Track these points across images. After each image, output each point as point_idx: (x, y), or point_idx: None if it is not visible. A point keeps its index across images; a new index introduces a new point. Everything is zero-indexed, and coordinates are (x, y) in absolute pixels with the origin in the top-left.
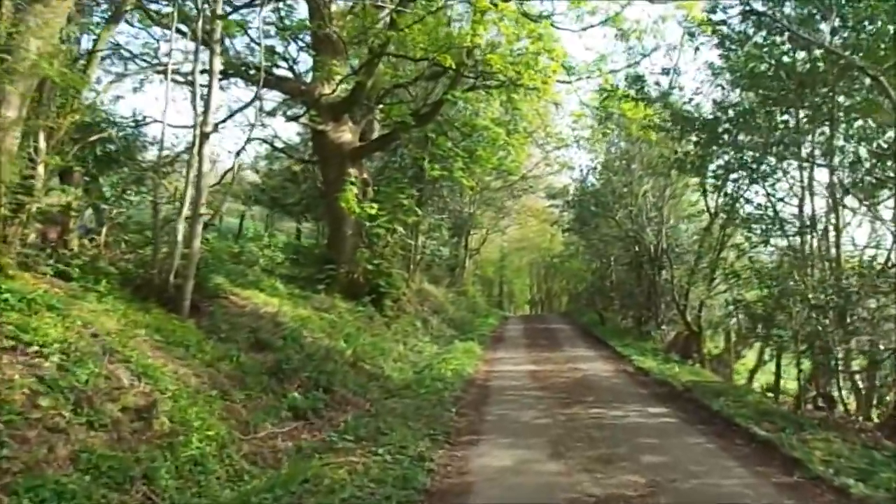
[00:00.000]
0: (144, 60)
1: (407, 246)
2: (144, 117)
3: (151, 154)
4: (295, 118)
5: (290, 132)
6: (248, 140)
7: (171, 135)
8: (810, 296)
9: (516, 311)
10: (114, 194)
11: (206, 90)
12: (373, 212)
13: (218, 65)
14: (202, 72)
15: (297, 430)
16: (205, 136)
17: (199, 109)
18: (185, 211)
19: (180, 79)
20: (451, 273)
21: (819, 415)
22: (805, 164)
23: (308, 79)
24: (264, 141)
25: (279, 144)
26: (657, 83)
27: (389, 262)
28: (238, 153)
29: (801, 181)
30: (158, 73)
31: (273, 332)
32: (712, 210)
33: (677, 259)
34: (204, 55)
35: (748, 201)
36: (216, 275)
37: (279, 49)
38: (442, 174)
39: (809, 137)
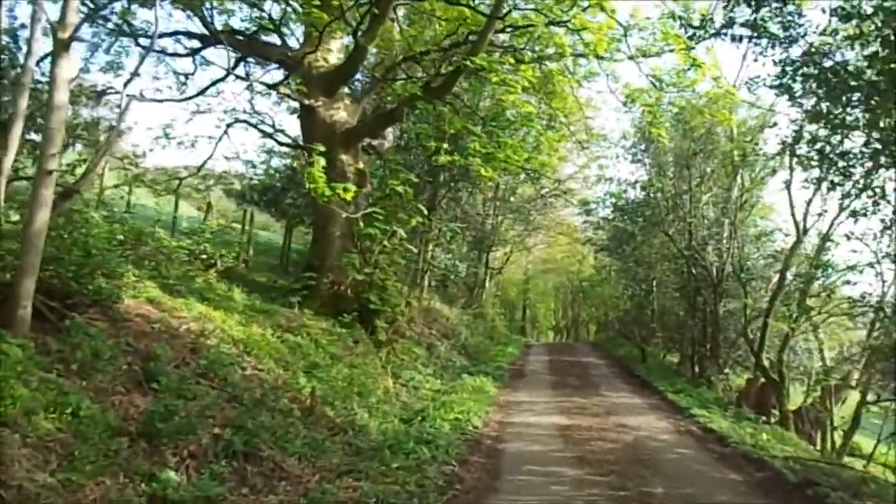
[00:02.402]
0: None
1: (411, 255)
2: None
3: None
4: (273, 86)
5: (293, 124)
6: (230, 124)
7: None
8: None
9: (539, 337)
10: None
11: None
12: (349, 196)
13: None
14: None
15: None
16: (62, 47)
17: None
18: (9, 163)
19: None
20: (468, 293)
21: None
22: None
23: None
24: (251, 125)
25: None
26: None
27: (385, 273)
28: (220, 138)
29: None
30: None
31: (182, 362)
32: (800, 223)
33: (748, 284)
34: None
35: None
36: (107, 271)
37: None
38: (452, 161)
39: None
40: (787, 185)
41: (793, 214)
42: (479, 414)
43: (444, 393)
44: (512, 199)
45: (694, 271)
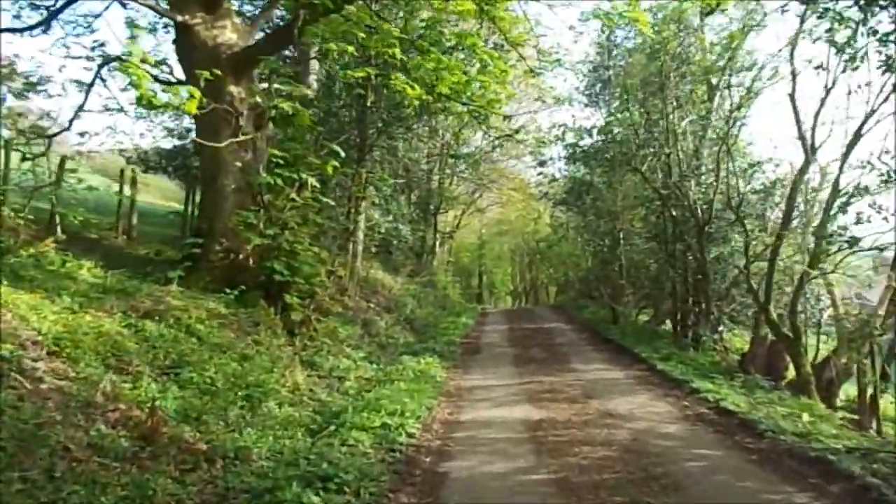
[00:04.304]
0: None
1: (335, 214)
2: None
3: None
4: None
5: None
6: (102, 65)
7: None
8: None
9: (497, 303)
10: None
11: None
12: (192, 108)
13: None
14: None
15: None
16: None
17: None
18: None
19: None
20: (416, 259)
21: None
22: None
23: None
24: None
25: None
26: None
27: (295, 235)
28: (92, 83)
29: None
30: None
31: None
32: (810, 140)
33: (747, 221)
34: None
35: None
36: None
37: None
38: (367, 75)
39: None
40: (791, 94)
41: (799, 130)
42: (417, 413)
43: (377, 383)
44: (462, 148)
45: (674, 213)
